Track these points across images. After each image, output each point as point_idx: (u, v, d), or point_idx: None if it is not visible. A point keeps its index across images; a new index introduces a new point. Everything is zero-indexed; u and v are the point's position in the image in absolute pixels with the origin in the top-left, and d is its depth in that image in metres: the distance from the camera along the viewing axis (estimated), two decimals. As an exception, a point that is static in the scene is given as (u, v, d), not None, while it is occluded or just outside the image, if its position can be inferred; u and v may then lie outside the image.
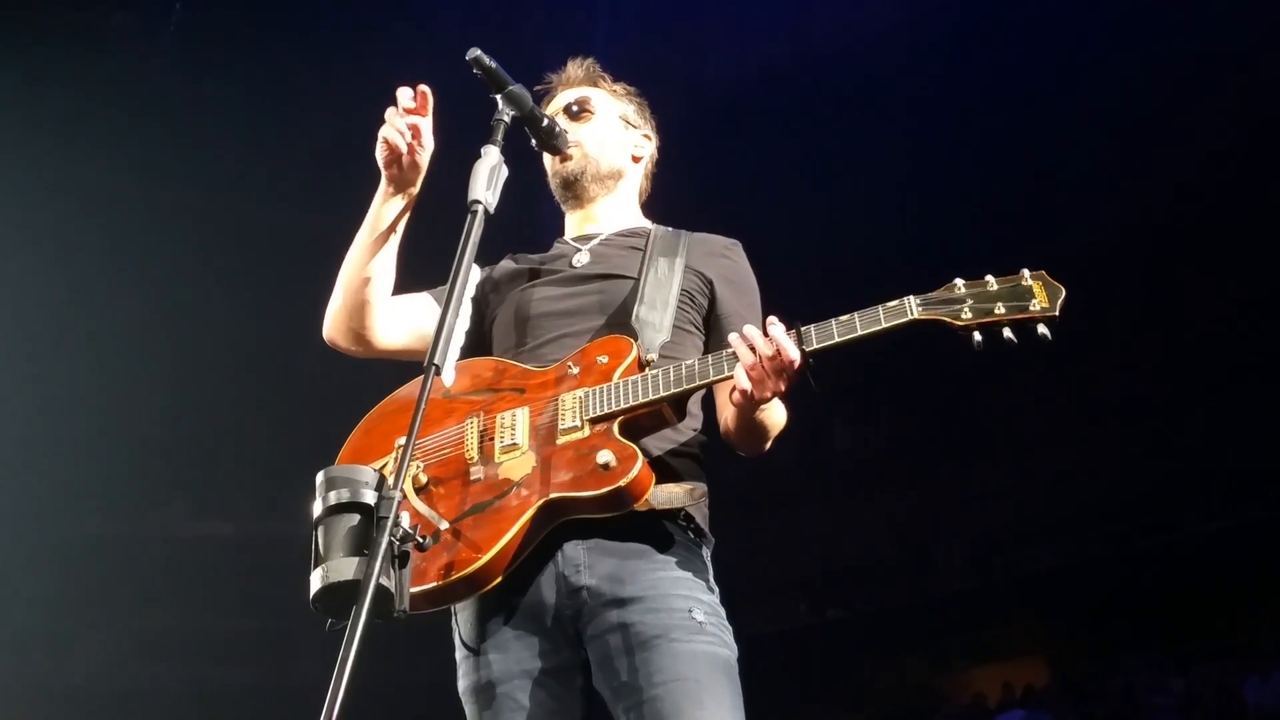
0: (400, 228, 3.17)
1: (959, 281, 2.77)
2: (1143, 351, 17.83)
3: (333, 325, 3.25)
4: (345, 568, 2.29)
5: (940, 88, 16.87)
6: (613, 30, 16.59)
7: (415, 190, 3.15)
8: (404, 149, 3.03)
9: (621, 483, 2.73)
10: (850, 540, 20.39)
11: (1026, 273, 2.75)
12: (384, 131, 3.03)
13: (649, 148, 3.61)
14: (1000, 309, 2.70)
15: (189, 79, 15.84)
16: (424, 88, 3.07)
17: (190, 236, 16.44)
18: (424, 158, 3.09)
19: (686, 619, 2.82)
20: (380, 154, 3.07)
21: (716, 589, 2.99)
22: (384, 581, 2.21)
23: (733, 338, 2.77)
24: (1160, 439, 17.80)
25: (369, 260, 3.15)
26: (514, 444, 2.90)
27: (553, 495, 2.77)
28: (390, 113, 3.04)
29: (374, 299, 3.19)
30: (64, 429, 17.01)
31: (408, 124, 3.03)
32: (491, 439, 2.93)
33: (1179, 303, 17.28)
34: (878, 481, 20.27)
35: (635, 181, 3.57)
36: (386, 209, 3.14)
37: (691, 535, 3.00)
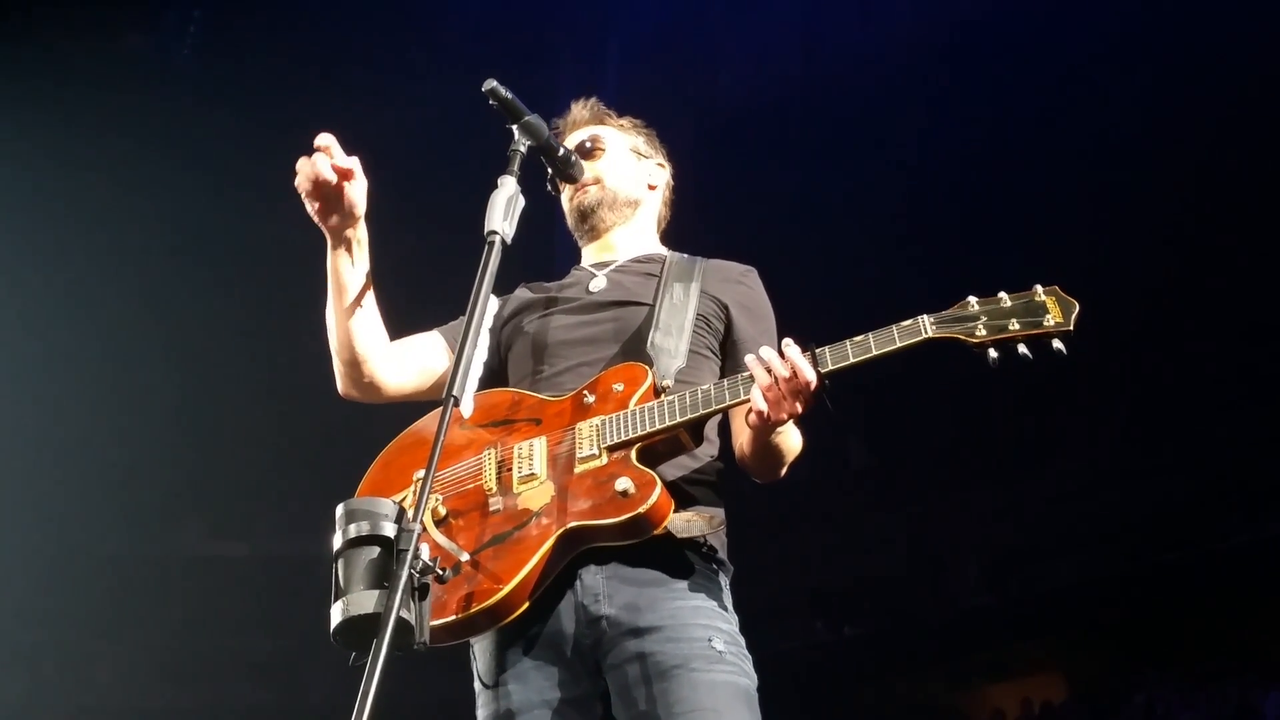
0: (363, 274, 3.07)
1: (972, 299, 2.78)
2: (1161, 364, 17.74)
3: (341, 383, 3.23)
4: (366, 601, 2.28)
5: (952, 105, 16.85)
6: (625, 51, 16.62)
7: (359, 234, 3.02)
8: (331, 179, 2.88)
9: (640, 510, 2.73)
10: (866, 557, 20.29)
11: (1040, 288, 2.76)
12: (305, 175, 2.89)
13: (663, 175, 3.63)
14: (1015, 325, 2.70)
15: (205, 100, 15.92)
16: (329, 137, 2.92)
17: (208, 256, 16.51)
18: (357, 195, 2.94)
19: (706, 648, 2.81)
20: (311, 206, 2.94)
21: (735, 617, 2.99)
22: (404, 614, 2.21)
23: (749, 359, 2.77)
24: (1180, 453, 17.69)
25: (346, 316, 3.09)
26: (532, 474, 2.90)
27: (572, 524, 2.77)
28: (304, 161, 2.91)
29: (368, 349, 3.15)
30: (79, 448, 17.05)
31: (333, 166, 2.89)
32: (509, 469, 2.93)
33: (1198, 314, 17.18)
34: (893, 498, 20.18)
35: (652, 209, 3.59)
36: (341, 262, 3.04)
37: (710, 563, 3.00)
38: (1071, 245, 16.37)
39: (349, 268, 3.06)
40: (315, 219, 2.99)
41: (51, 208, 15.55)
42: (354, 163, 2.91)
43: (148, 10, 16.44)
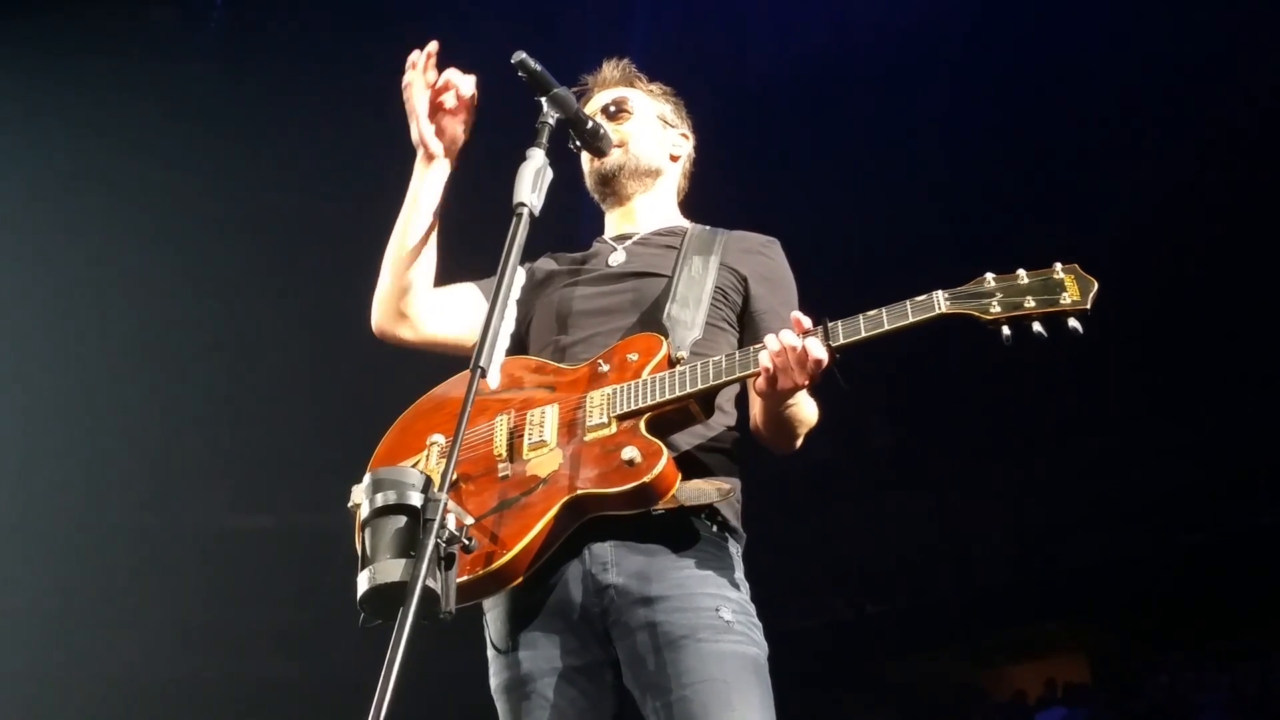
0: (438, 206, 3.21)
1: (989, 275, 2.75)
2: (1185, 343, 17.62)
3: (380, 312, 3.29)
4: (392, 569, 2.30)
5: (981, 83, 16.70)
6: (651, 25, 16.55)
7: (450, 167, 3.20)
8: (466, 96, 3.14)
9: (645, 479, 2.73)
10: (889, 536, 20.28)
11: (1059, 266, 2.73)
12: (438, 85, 3.14)
13: (686, 147, 3.62)
14: (1030, 302, 2.68)
15: (231, 74, 15.89)
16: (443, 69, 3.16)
17: (232, 230, 16.50)
18: (466, 124, 3.16)
19: (714, 618, 2.82)
20: (425, 120, 3.15)
21: (746, 585, 2.99)
22: (430, 583, 2.22)
23: (769, 338, 2.77)
24: (1204, 432, 17.61)
25: (410, 240, 3.20)
26: (542, 441, 2.91)
27: (578, 492, 2.78)
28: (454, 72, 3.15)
29: (418, 280, 3.23)
30: (104, 421, 17.13)
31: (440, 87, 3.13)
32: (521, 436, 2.94)
33: (1223, 293, 17.04)
34: (917, 476, 20.13)
35: (673, 180, 3.58)
36: (426, 186, 3.19)
37: (720, 531, 3.01)
38: (1101, 218, 16.23)
39: (431, 195, 3.20)
40: (422, 134, 3.16)
41: (72, 182, 15.58)
42: (472, 86, 3.14)
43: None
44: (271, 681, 18.84)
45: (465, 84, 3.15)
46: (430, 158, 3.17)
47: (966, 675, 21.07)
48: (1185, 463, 17.71)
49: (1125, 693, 17.31)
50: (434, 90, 3.13)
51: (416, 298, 3.24)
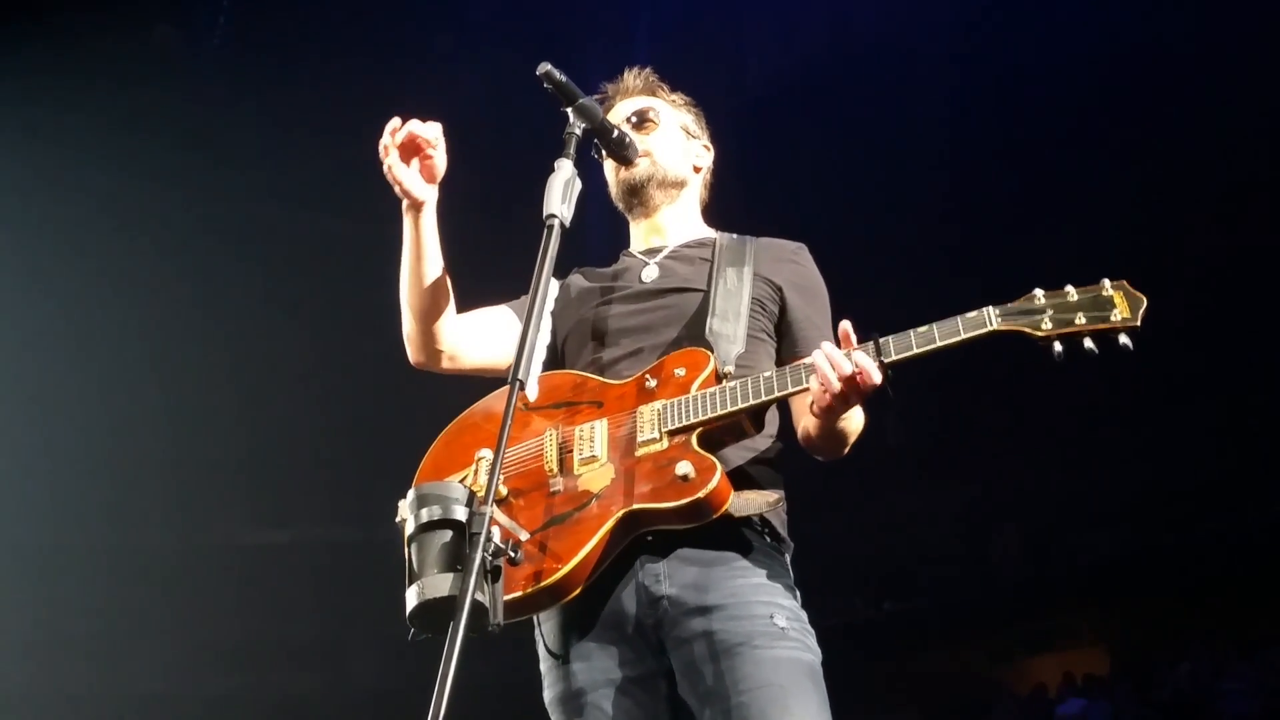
0: (437, 241, 3.16)
1: (1038, 292, 2.76)
2: (1203, 332, 17.56)
3: (414, 350, 3.28)
4: (440, 584, 2.32)
5: (985, 84, 16.67)
6: (653, 32, 16.57)
7: (434, 201, 3.12)
8: (430, 139, 3.03)
9: (700, 494, 2.74)
10: (906, 533, 20.25)
11: (1107, 282, 2.74)
12: (399, 138, 3.03)
13: (708, 158, 3.64)
14: (1081, 319, 2.69)
15: (235, 93, 15.90)
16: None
17: (246, 248, 16.53)
18: (440, 161, 3.07)
19: (769, 625, 2.84)
20: (397, 173, 3.04)
21: (798, 593, 3.01)
22: (479, 597, 2.23)
23: (816, 355, 2.76)
24: (1223, 421, 17.55)
25: (423, 282, 3.16)
26: (593, 456, 2.91)
27: (633, 507, 2.79)
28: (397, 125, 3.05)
29: (445, 317, 3.22)
30: (124, 443, 17.16)
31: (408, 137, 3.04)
32: (570, 451, 2.95)
33: (1243, 283, 16.97)
34: (932, 473, 20.09)
35: (696, 191, 3.59)
36: (422, 228, 3.11)
37: (770, 540, 3.02)
38: (1115, 205, 16.19)
39: (428, 233, 3.13)
40: (400, 184, 3.06)
41: (85, 203, 15.63)
42: (438, 130, 3.04)
43: (177, 1, 16.41)
44: (293, 696, 18.86)
45: (426, 129, 3.05)
46: (417, 206, 3.09)
47: (986, 670, 21.04)
48: (1203, 452, 17.66)
49: (1146, 683, 17.25)
50: (402, 149, 3.04)
51: (447, 332, 3.24)
